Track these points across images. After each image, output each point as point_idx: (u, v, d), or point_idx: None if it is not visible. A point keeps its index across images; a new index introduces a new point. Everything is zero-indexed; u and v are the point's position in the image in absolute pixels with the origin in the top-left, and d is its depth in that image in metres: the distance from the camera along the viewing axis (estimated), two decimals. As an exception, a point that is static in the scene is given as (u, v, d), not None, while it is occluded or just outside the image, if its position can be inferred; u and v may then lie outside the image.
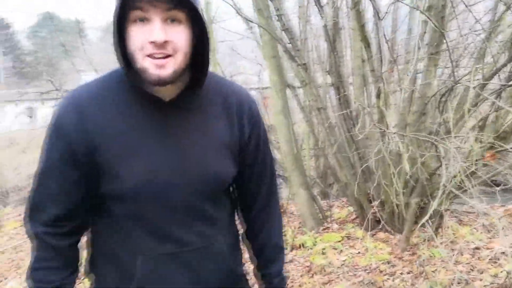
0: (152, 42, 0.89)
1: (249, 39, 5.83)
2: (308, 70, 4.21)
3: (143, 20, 0.90)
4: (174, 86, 0.99)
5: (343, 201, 5.27)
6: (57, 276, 1.03)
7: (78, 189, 1.00)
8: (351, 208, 4.83)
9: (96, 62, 9.02)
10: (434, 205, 2.57)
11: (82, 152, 0.97)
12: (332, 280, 3.44)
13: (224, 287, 1.11)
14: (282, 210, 5.32)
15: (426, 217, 2.54)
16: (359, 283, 3.30)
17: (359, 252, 3.85)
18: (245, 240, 1.24)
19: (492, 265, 3.33)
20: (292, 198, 5.06)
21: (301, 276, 3.59)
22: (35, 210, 1.02)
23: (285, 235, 4.50)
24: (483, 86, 3.15)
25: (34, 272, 1.03)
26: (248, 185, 1.17)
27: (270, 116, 5.33)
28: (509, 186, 4.47)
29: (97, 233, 1.09)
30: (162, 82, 0.93)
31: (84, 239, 1.12)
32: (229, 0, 4.48)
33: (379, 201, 4.04)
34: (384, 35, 3.48)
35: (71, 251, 1.06)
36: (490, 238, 3.85)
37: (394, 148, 3.42)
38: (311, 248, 4.12)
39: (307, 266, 3.77)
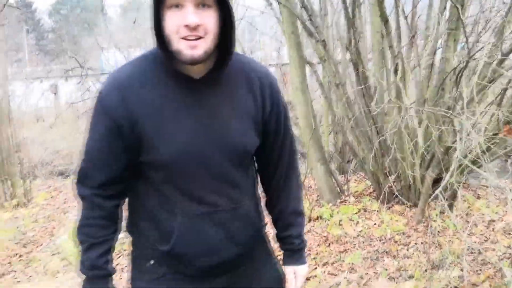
0: (186, 26, 0.99)
1: (269, 15, 5.87)
2: (327, 46, 4.26)
3: (178, 6, 1.00)
4: (203, 65, 1.08)
5: (360, 175, 5.37)
6: (102, 232, 1.18)
7: (121, 158, 1.12)
8: (368, 182, 4.94)
9: (117, 39, 9.13)
10: (447, 177, 2.66)
11: (125, 126, 1.08)
12: (348, 249, 3.60)
13: (250, 242, 1.26)
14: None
15: (440, 189, 2.63)
16: (374, 252, 3.44)
17: (375, 224, 3.98)
18: (267, 208, 1.36)
19: (506, 236, 3.42)
20: (310, 172, 5.18)
21: (318, 245, 3.76)
22: (84, 177, 1.17)
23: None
24: (501, 62, 3.17)
25: (82, 228, 1.18)
26: (269, 156, 1.27)
27: (289, 92, 5.41)
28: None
29: (137, 196, 1.20)
30: (195, 61, 1.03)
31: (126, 202, 1.27)
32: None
33: (395, 175, 4.13)
34: (404, 10, 3.50)
35: (114, 212, 1.19)
36: (506, 212, 3.92)
37: (411, 123, 3.49)
38: (328, 220, 4.26)
39: (324, 236, 3.92)
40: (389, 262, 3.26)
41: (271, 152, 1.27)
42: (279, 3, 4.40)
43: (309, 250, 3.66)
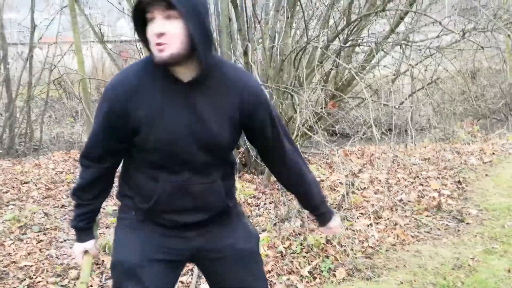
0: (154, 34, 1.24)
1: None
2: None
3: (152, 19, 1.25)
4: (188, 70, 1.30)
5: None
6: (88, 196, 1.46)
7: (115, 139, 1.38)
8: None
9: None
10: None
11: (121, 115, 1.32)
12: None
13: (216, 212, 1.47)
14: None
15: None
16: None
17: (229, 190, 4.41)
18: (288, 191, 1.66)
19: (332, 192, 4.21)
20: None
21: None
22: (87, 150, 1.43)
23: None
24: (327, 47, 3.86)
25: (75, 190, 1.47)
26: (273, 154, 1.49)
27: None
28: (346, 133, 5.50)
29: (127, 169, 1.46)
30: (163, 62, 1.25)
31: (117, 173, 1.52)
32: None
33: (245, 147, 4.63)
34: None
35: (106, 179, 1.47)
36: (331, 173, 4.78)
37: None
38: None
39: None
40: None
41: (273, 151, 1.48)
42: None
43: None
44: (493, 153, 5.34)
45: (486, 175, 4.57)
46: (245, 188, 4.46)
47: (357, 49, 5.05)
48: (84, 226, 1.51)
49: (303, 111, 3.26)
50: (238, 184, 4.52)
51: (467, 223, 3.37)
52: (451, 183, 4.27)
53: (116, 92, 1.33)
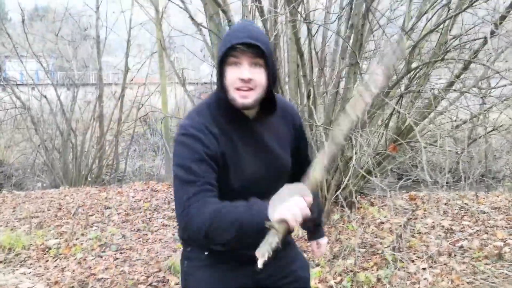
0: (241, 79, 1.28)
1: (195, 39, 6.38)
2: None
3: (236, 64, 1.29)
4: (255, 108, 1.38)
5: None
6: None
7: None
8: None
9: (22, 48, 8.77)
10: (345, 180, 3.36)
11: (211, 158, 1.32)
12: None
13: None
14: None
15: (340, 190, 3.31)
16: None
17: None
18: None
19: (390, 234, 4.22)
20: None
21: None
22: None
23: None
24: (387, 93, 4.02)
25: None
26: (300, 166, 1.54)
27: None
28: (411, 178, 5.48)
29: None
30: (245, 108, 1.32)
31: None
32: (182, 5, 5.07)
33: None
34: (315, 47, 4.23)
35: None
36: (392, 216, 4.77)
37: (320, 139, 4.20)
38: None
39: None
40: (300, 255, 3.86)
41: (301, 163, 1.55)
42: (209, 30, 4.96)
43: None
44: None
45: (561, 228, 4.29)
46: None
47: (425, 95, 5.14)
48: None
49: (358, 152, 3.42)
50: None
51: (531, 275, 3.22)
52: (521, 234, 4.08)
53: (201, 130, 1.32)
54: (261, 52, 1.27)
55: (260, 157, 1.39)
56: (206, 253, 1.44)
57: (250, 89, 1.29)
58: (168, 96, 10.54)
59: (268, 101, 1.38)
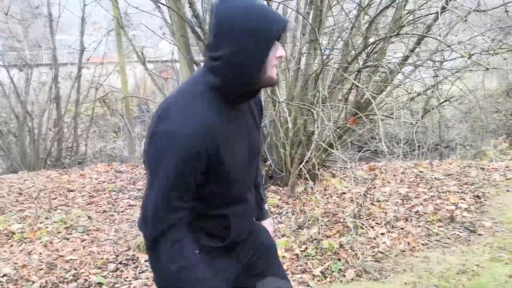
0: (280, 57, 1.26)
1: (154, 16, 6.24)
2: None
3: (274, 44, 1.25)
4: None
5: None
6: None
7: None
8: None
9: None
10: (308, 154, 3.48)
11: (203, 157, 1.26)
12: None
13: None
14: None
15: (303, 163, 3.43)
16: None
17: (255, 200, 4.71)
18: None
19: (351, 203, 4.42)
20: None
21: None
22: (161, 212, 1.32)
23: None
24: (346, 68, 4.14)
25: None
26: None
27: (173, 89, 5.82)
28: (370, 149, 5.70)
29: (196, 219, 1.39)
30: (275, 83, 1.33)
31: None
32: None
33: (271, 160, 4.93)
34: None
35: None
36: (353, 186, 4.98)
37: (283, 114, 4.30)
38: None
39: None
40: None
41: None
42: (169, 8, 4.88)
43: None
44: (518, 170, 5.37)
45: (507, 190, 4.64)
46: (270, 198, 4.75)
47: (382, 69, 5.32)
48: None
49: (320, 127, 3.54)
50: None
51: (479, 234, 3.50)
52: (470, 198, 4.38)
53: (200, 136, 1.23)
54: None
55: (247, 143, 1.39)
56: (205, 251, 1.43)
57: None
58: (128, 75, 10.30)
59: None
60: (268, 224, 1.75)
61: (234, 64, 1.21)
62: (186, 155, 1.20)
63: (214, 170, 1.28)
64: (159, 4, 5.55)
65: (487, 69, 3.15)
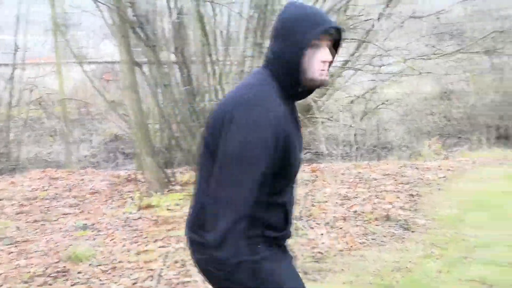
0: (324, 61, 1.31)
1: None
2: (156, 50, 4.75)
3: (318, 46, 1.29)
4: None
5: (185, 168, 6.01)
6: None
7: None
8: (193, 172, 5.59)
9: None
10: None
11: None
12: (175, 227, 4.15)
13: None
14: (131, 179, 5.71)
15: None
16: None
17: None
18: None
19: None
20: (140, 168, 5.57)
21: (149, 227, 4.21)
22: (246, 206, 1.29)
23: (132, 198, 5.05)
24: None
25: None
26: None
27: (116, 91, 5.62)
28: (311, 151, 5.80)
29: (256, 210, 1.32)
30: (323, 84, 1.36)
31: None
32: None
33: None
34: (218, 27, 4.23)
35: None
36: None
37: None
38: (157, 207, 4.75)
39: (154, 220, 4.40)
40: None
41: None
42: (109, 7, 4.70)
43: (141, 232, 4.09)
44: (449, 169, 5.69)
45: (439, 189, 4.89)
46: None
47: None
48: None
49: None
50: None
51: (413, 231, 3.66)
52: (405, 196, 4.58)
53: (281, 124, 1.26)
54: (333, 38, 1.33)
55: (297, 135, 1.40)
56: (259, 246, 1.34)
57: (327, 70, 1.36)
58: (66, 76, 9.82)
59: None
60: None
61: (280, 59, 1.31)
62: (272, 142, 1.22)
63: (287, 160, 1.30)
64: (99, 3, 5.34)
65: (420, 73, 3.29)
